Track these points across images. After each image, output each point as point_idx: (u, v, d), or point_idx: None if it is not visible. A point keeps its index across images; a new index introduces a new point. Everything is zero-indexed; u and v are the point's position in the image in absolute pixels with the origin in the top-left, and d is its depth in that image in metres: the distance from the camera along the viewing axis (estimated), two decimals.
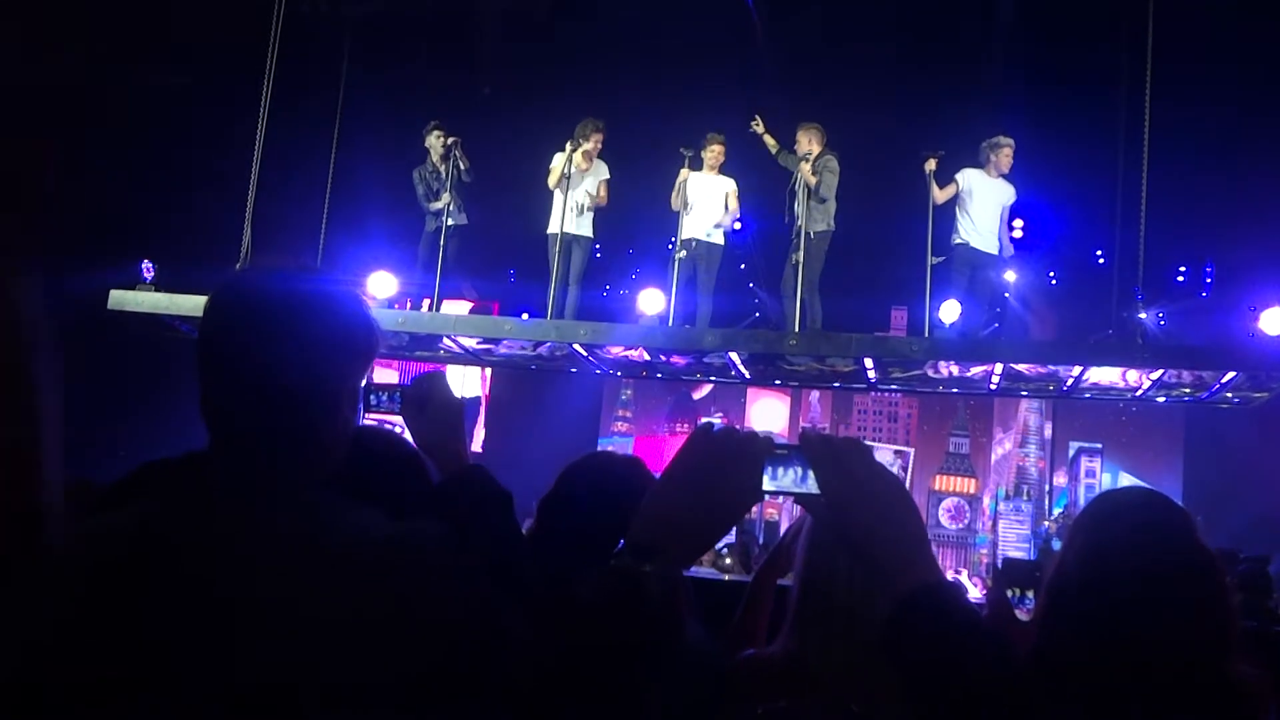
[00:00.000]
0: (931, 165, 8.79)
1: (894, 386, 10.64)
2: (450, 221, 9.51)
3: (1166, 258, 11.66)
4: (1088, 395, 10.05)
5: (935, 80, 10.45)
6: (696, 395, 13.54)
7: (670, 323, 8.98)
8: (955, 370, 9.14)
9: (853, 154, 9.19)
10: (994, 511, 12.81)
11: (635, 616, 1.17)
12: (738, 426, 1.34)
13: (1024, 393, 10.77)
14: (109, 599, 1.26)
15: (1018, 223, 11.80)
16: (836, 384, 10.76)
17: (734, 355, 9.18)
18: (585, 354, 9.52)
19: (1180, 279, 12.62)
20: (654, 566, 1.19)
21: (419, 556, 1.35)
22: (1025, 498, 12.68)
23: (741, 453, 1.26)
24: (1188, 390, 9.15)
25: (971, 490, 12.99)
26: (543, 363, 10.35)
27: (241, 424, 1.39)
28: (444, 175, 9.59)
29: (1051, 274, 13.31)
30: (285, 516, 1.33)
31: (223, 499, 1.35)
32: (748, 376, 10.27)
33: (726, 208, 9.33)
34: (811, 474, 1.26)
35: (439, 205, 9.64)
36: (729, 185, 9.37)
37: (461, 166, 9.54)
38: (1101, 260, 12.40)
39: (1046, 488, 12.90)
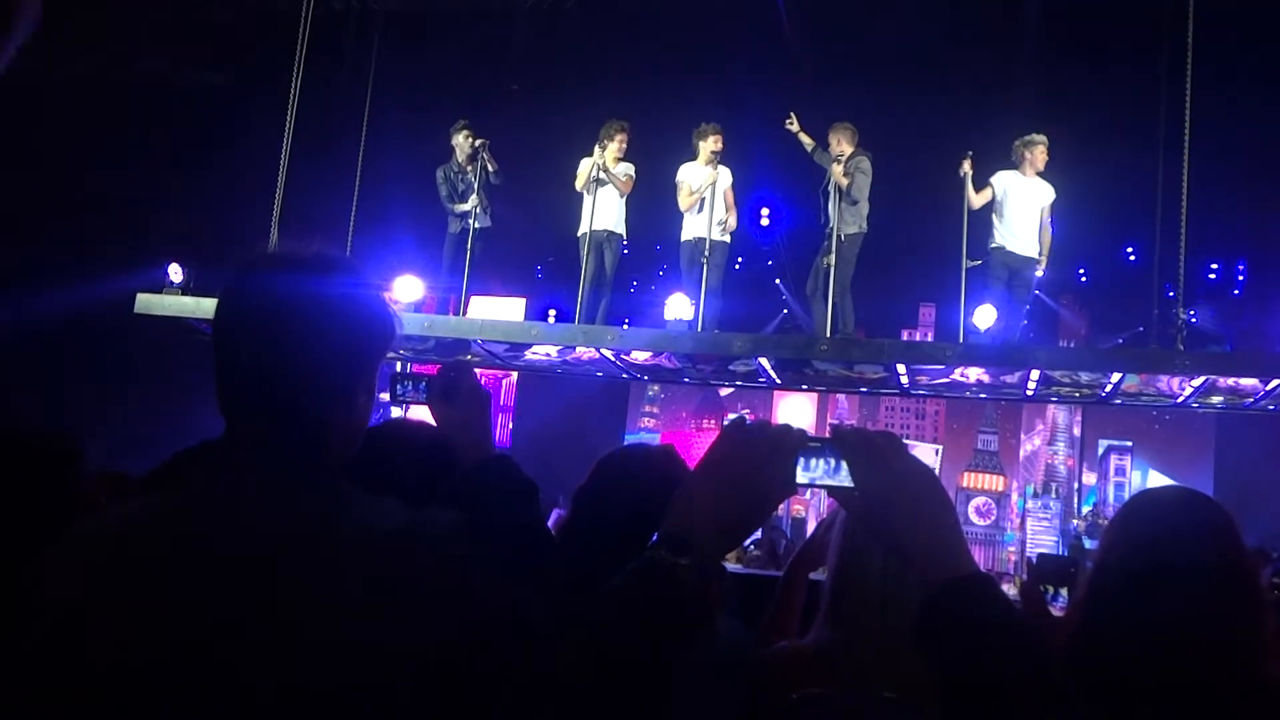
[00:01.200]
0: (966, 167, 8.65)
1: (924, 392, 10.53)
2: (475, 224, 9.47)
3: (1198, 255, 11.55)
4: (1119, 402, 9.86)
5: (969, 77, 10.35)
6: (723, 392, 13.53)
7: (700, 328, 8.90)
8: (986, 378, 9.03)
9: (885, 153, 9.10)
10: (1022, 509, 12.75)
11: (669, 609, 1.17)
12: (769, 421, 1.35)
13: (1054, 399, 10.64)
14: (126, 586, 1.27)
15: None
16: (864, 389, 10.67)
17: (763, 360, 9.11)
18: (613, 358, 9.50)
19: (1212, 276, 12.51)
20: (689, 559, 1.20)
21: (432, 546, 1.34)
22: (1054, 495, 12.60)
23: (774, 446, 1.27)
24: (1229, 399, 8.92)
25: (1000, 488, 12.93)
26: (569, 367, 10.32)
27: (256, 413, 1.38)
28: (471, 176, 9.54)
29: (1081, 271, 13.23)
30: (300, 505, 1.33)
31: (237, 488, 1.35)
32: (778, 381, 10.21)
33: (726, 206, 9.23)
34: (844, 467, 1.26)
35: (464, 207, 9.58)
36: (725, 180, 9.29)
37: (490, 169, 9.48)
38: (1132, 257, 12.32)
39: (1075, 485, 12.82)
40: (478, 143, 9.48)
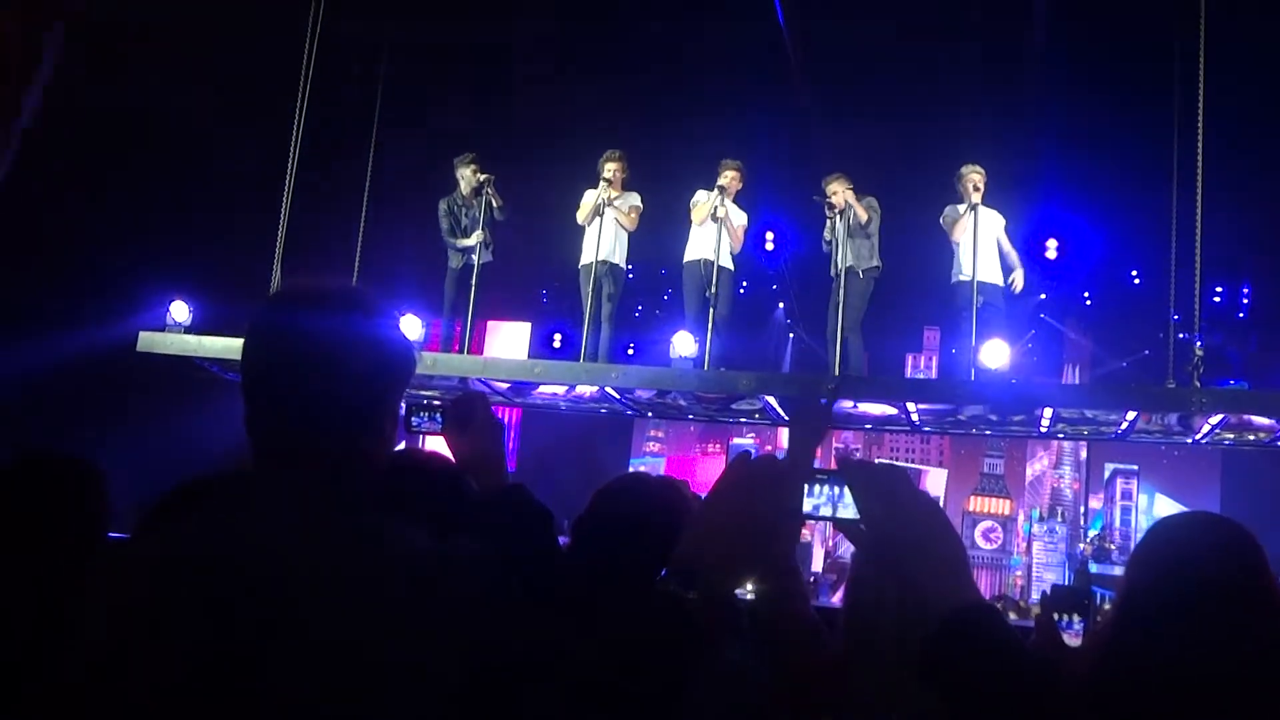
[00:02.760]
0: (976, 199, 8.66)
1: (933, 429, 10.48)
2: (478, 260, 9.41)
3: (1203, 278, 11.54)
4: (1131, 439, 9.79)
5: (975, 103, 10.39)
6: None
7: (706, 365, 8.86)
8: (996, 415, 8.99)
9: (890, 178, 9.15)
10: (1029, 533, 12.70)
11: (679, 642, 1.18)
12: (774, 451, 1.36)
13: (1065, 435, 10.59)
14: (164, 616, 1.28)
15: (1051, 243, 11.77)
16: (868, 425, 10.62)
17: (770, 399, 9.04)
18: (617, 396, 9.45)
19: (1217, 300, 12.51)
20: (698, 593, 1.21)
21: (460, 574, 1.36)
22: (1060, 519, 12.56)
23: (781, 478, 1.29)
24: (1240, 435, 8.84)
25: (1006, 511, 12.89)
26: (573, 404, 10.27)
27: (285, 444, 1.41)
28: (476, 211, 9.45)
29: (1086, 294, 13.24)
30: (331, 534, 1.35)
31: (269, 517, 1.37)
32: (786, 419, 10.18)
33: (737, 234, 9.23)
34: (848, 498, 1.27)
35: (468, 243, 9.50)
36: (742, 218, 9.33)
37: (495, 204, 9.41)
38: (1137, 281, 12.33)
39: (1082, 509, 12.77)
40: (483, 177, 9.41)
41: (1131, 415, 8.55)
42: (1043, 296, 12.56)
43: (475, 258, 9.42)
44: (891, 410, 9.14)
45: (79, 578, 1.41)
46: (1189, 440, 9.28)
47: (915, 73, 10.18)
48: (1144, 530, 2.01)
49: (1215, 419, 8.16)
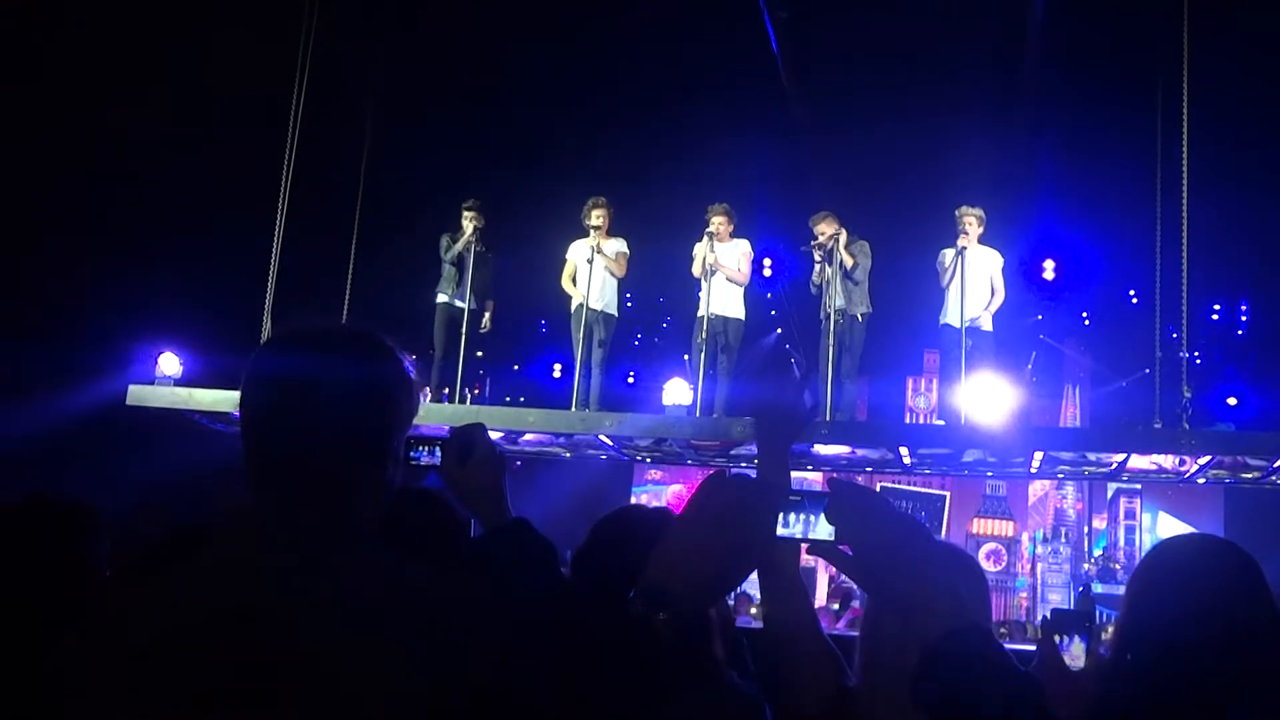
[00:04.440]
0: (963, 243, 8.68)
1: (928, 471, 10.46)
2: (470, 305, 9.44)
3: (1200, 296, 11.58)
4: (1125, 478, 9.77)
5: (968, 130, 10.43)
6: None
7: (697, 413, 8.84)
8: (991, 457, 8.99)
9: (885, 206, 9.16)
10: (1033, 554, 12.65)
11: (649, 662, 1.18)
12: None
13: (1061, 476, 10.57)
14: (170, 656, 1.28)
15: (1049, 264, 11.79)
16: (869, 469, 10.60)
17: None
18: (611, 443, 9.43)
19: (1215, 317, 12.54)
20: (667, 613, 1.20)
21: (461, 609, 1.36)
22: (1064, 540, 12.51)
23: (754, 500, 1.27)
24: (1234, 473, 8.86)
25: (1009, 533, 12.84)
26: (565, 447, 10.24)
27: (287, 485, 1.40)
28: (467, 262, 9.50)
29: (1084, 314, 13.26)
30: (332, 572, 1.35)
31: (271, 557, 1.36)
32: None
33: (739, 269, 9.19)
34: (822, 521, 1.26)
35: (450, 294, 9.58)
36: (743, 247, 9.28)
37: (472, 244, 9.48)
38: (1134, 300, 12.36)
39: (1085, 529, 12.73)
40: (470, 226, 9.46)
41: (1120, 456, 8.56)
42: (1039, 317, 12.60)
43: (466, 303, 9.43)
44: (890, 455, 9.13)
45: (79, 617, 1.41)
46: (1182, 479, 9.26)
47: (912, 92, 10.24)
48: (1147, 550, 2.01)
49: (1204, 460, 8.20)
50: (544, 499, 11.55)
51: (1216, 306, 12.70)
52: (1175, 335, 9.12)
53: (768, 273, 12.87)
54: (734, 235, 9.28)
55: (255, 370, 1.44)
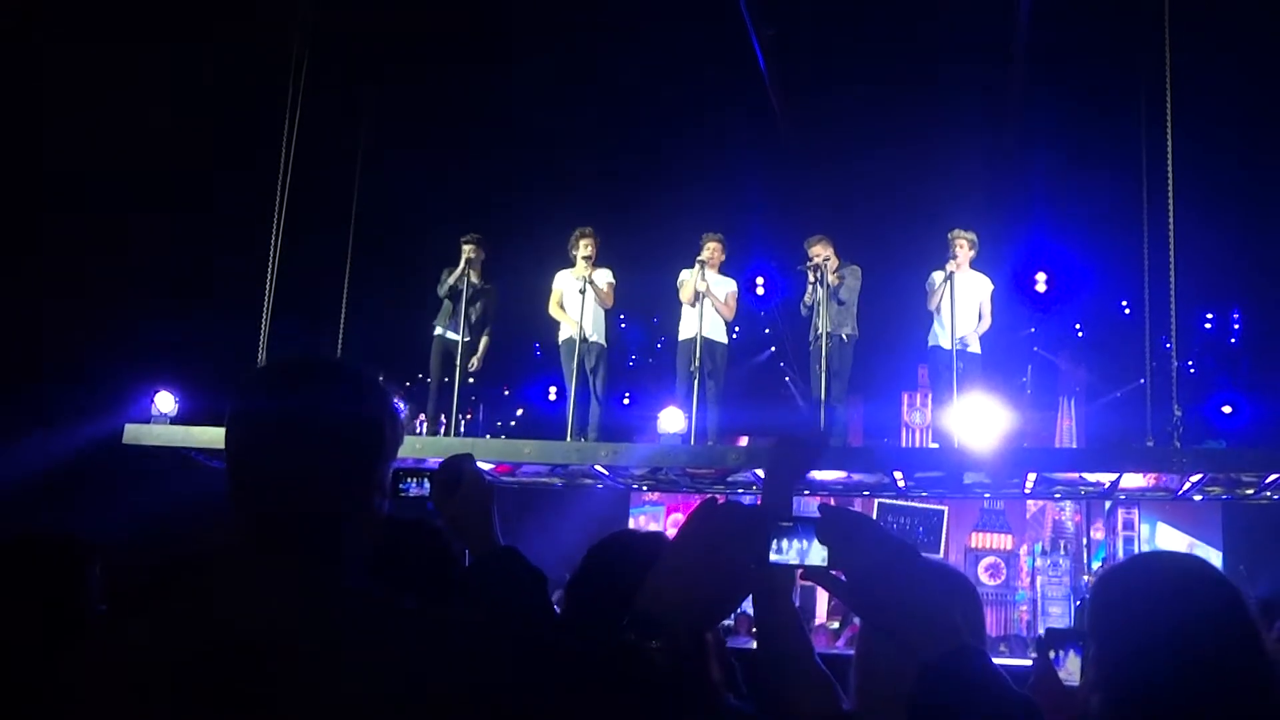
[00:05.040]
0: (952, 267, 8.73)
1: (924, 494, 10.45)
2: (464, 337, 9.46)
3: (1192, 305, 11.62)
4: (1123, 497, 9.78)
5: (956, 148, 10.48)
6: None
7: (692, 440, 8.85)
8: (986, 479, 9.01)
9: (876, 220, 9.18)
10: (1032, 567, 12.64)
11: (644, 690, 1.17)
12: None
13: (1057, 496, 10.59)
14: (164, 692, 1.28)
15: (1040, 276, 11.82)
16: (866, 493, 10.58)
17: (759, 471, 8.94)
18: (607, 472, 9.44)
19: (1208, 326, 12.57)
20: (660, 641, 1.19)
21: (449, 639, 1.36)
22: (1063, 552, 12.49)
23: (746, 526, 1.27)
24: (1239, 490, 8.87)
25: (1008, 546, 12.82)
26: (561, 477, 10.23)
27: (272, 518, 1.40)
28: (463, 294, 9.52)
29: (1078, 326, 13.28)
30: (324, 605, 1.35)
31: (259, 591, 1.36)
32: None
33: (726, 304, 9.26)
34: (816, 546, 1.26)
35: (444, 326, 9.60)
36: (731, 285, 9.36)
37: (475, 282, 9.51)
38: (1127, 311, 12.38)
39: (1084, 541, 12.71)
40: (472, 258, 9.49)
41: (1113, 476, 8.58)
42: (1032, 330, 12.62)
43: (461, 335, 9.45)
44: (885, 479, 9.15)
45: (72, 652, 1.41)
46: (1177, 496, 9.28)
47: (901, 110, 10.28)
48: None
49: (1196, 477, 8.23)
50: (542, 522, 11.56)
51: (1209, 315, 12.73)
52: (1168, 345, 9.14)
53: (760, 291, 12.91)
54: (723, 270, 9.35)
55: (239, 404, 1.45)
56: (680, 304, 9.35)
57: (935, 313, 8.87)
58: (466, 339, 9.53)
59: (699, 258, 9.11)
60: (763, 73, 10.03)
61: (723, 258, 9.29)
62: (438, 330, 9.71)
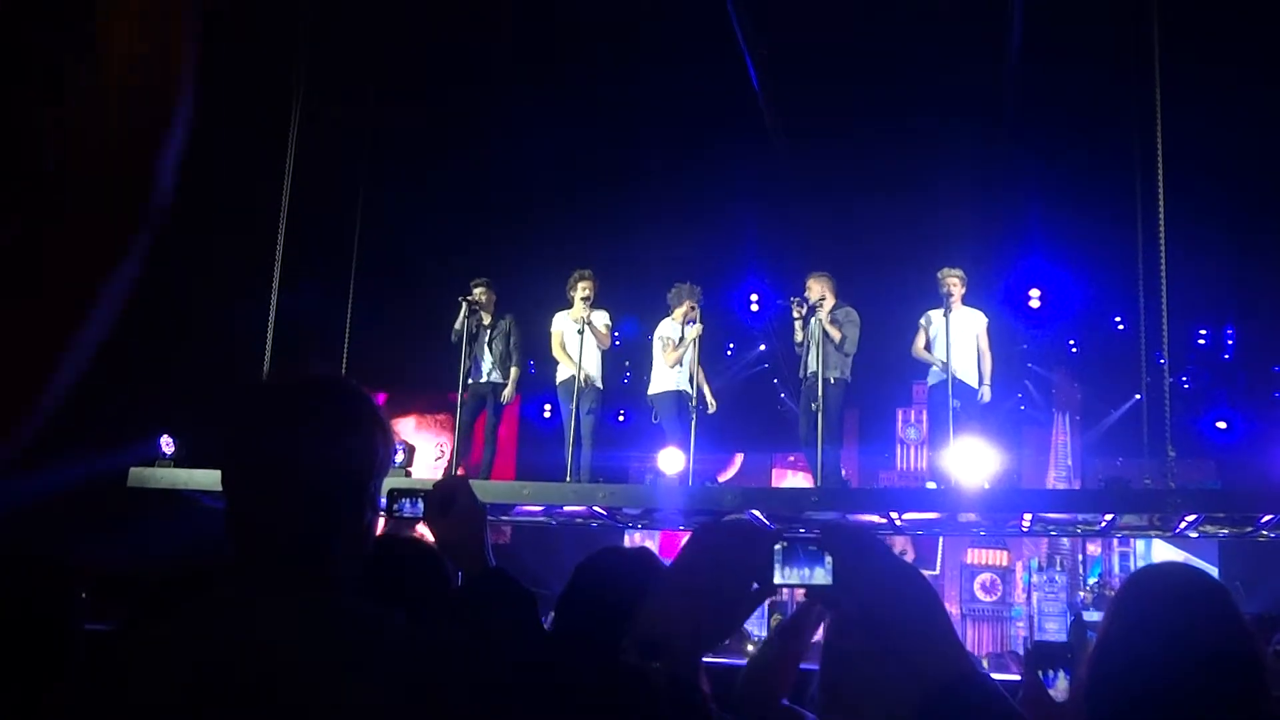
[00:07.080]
0: (955, 301, 8.72)
1: (921, 531, 10.49)
2: (488, 378, 9.57)
3: (1186, 321, 11.63)
4: (1118, 535, 9.78)
5: (951, 168, 10.51)
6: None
7: (690, 482, 8.87)
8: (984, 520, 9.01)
9: (872, 237, 9.19)
10: (1028, 583, 12.61)
11: (645, 713, 1.17)
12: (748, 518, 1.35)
13: (1053, 533, 10.60)
14: (156, 709, 1.28)
15: (1034, 293, 11.86)
16: None
17: (756, 512, 8.86)
18: (605, 513, 9.47)
19: (1201, 342, 12.59)
20: (662, 663, 1.19)
21: (437, 658, 1.36)
22: (1059, 568, 12.46)
23: (748, 546, 1.26)
24: (1235, 529, 8.86)
25: (1004, 562, 12.80)
26: (561, 520, 10.19)
27: (267, 535, 1.41)
28: (480, 338, 9.59)
29: (1072, 342, 13.30)
30: (316, 622, 1.35)
31: (253, 609, 1.37)
32: (773, 528, 10.01)
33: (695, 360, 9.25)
34: (821, 567, 1.25)
35: (472, 378, 9.64)
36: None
37: (483, 322, 9.58)
38: (1121, 327, 12.41)
39: (1080, 556, 12.69)
40: (481, 298, 9.52)
41: (1110, 516, 8.57)
42: (1024, 346, 12.64)
43: (483, 376, 9.57)
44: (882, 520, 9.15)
45: (59, 673, 1.41)
46: (1174, 534, 9.28)
47: (894, 133, 10.31)
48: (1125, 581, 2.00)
49: (1191, 517, 8.18)
50: (537, 543, 11.54)
51: (1203, 331, 12.75)
52: (1162, 361, 9.14)
53: (755, 308, 12.93)
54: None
55: (232, 422, 1.46)
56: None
57: (931, 352, 8.86)
58: (496, 379, 9.63)
59: (677, 318, 9.19)
60: (757, 92, 10.07)
61: (695, 315, 9.29)
62: (469, 382, 9.70)
